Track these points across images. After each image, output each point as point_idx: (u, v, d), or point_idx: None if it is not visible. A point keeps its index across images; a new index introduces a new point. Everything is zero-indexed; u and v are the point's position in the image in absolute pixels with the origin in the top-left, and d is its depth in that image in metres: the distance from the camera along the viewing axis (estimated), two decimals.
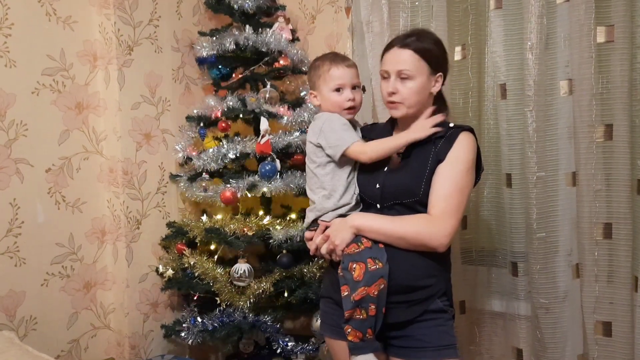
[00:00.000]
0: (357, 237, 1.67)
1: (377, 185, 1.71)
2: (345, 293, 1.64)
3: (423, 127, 1.68)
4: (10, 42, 2.19)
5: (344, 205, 1.73)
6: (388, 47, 1.72)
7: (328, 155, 1.73)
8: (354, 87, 1.76)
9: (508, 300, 2.30)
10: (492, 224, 2.34)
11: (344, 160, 1.73)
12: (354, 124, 1.83)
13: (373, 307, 1.61)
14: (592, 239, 2.10)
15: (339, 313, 1.74)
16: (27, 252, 2.26)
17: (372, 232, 1.66)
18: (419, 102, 1.70)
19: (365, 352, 1.63)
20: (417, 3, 2.34)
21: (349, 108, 1.75)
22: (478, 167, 1.73)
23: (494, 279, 2.37)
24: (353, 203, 1.75)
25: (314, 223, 1.79)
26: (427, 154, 1.68)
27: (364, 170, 1.76)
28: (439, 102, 1.78)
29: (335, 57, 1.79)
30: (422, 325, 1.68)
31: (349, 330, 1.64)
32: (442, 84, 1.75)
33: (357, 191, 1.76)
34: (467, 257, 2.39)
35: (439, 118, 1.69)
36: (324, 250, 1.72)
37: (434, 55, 1.67)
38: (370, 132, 1.83)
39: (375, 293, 1.60)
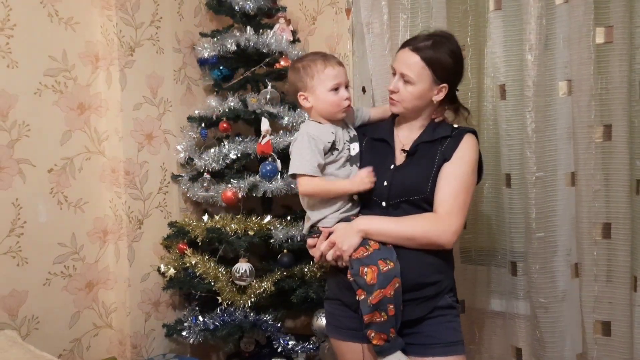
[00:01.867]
0: (364, 240, 1.66)
1: (385, 183, 1.71)
2: (362, 297, 1.62)
3: (362, 181, 1.69)
4: (12, 43, 2.20)
5: (339, 208, 1.74)
6: (403, 45, 1.73)
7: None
8: (346, 86, 1.75)
9: (507, 299, 2.31)
10: (491, 224, 2.35)
11: (330, 166, 1.73)
12: (344, 122, 1.82)
13: (392, 307, 1.61)
14: (591, 238, 2.11)
15: (348, 314, 1.75)
16: (29, 251, 2.27)
17: (380, 235, 1.66)
18: (416, 106, 1.72)
19: (393, 351, 1.64)
20: (416, 4, 2.35)
21: (346, 107, 1.74)
22: (479, 168, 1.75)
23: (493, 278, 2.37)
24: (349, 205, 1.75)
25: (313, 229, 1.77)
26: (434, 152, 1.70)
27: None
28: (457, 109, 1.81)
29: (326, 56, 1.75)
30: (431, 322, 1.70)
31: (372, 334, 1.63)
32: (455, 92, 1.78)
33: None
34: (467, 257, 2.40)
35: (371, 176, 1.71)
36: (329, 257, 1.69)
37: (442, 66, 1.66)
38: (372, 131, 1.85)
39: (392, 293, 1.60)
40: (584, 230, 2.12)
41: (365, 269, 1.61)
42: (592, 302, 2.13)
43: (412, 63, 1.67)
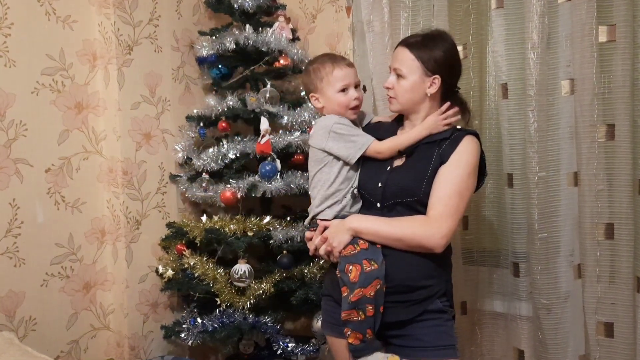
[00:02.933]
0: (354, 238, 1.68)
1: (380, 184, 1.71)
2: (345, 294, 1.65)
3: (435, 124, 1.70)
4: (9, 41, 2.18)
5: (340, 200, 1.74)
6: (398, 44, 1.77)
7: (335, 158, 1.73)
8: (356, 86, 1.79)
9: (509, 300, 2.30)
10: (493, 224, 2.34)
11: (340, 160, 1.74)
12: (355, 121, 1.83)
13: (370, 307, 1.61)
14: (593, 239, 2.09)
15: (339, 311, 1.74)
16: (26, 252, 2.26)
17: (369, 235, 1.67)
18: (411, 100, 1.73)
19: (367, 353, 1.64)
20: (418, 2, 2.33)
21: (355, 107, 1.77)
22: (482, 172, 1.74)
23: (495, 279, 2.36)
24: (351, 199, 1.75)
25: (314, 222, 1.79)
26: (430, 154, 1.69)
27: (367, 169, 1.77)
28: (458, 106, 1.78)
29: (335, 58, 1.81)
30: (421, 325, 1.69)
31: (349, 332, 1.65)
32: (456, 91, 1.78)
33: (355, 185, 1.76)
34: (469, 258, 2.39)
35: (452, 115, 1.71)
36: (322, 251, 1.74)
37: (432, 58, 1.68)
38: (375, 132, 1.83)
39: (372, 294, 1.61)
40: (587, 231, 2.10)
41: (350, 267, 1.64)
42: (594, 303, 2.12)
43: (403, 57, 1.71)
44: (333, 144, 1.72)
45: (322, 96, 1.79)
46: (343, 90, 1.75)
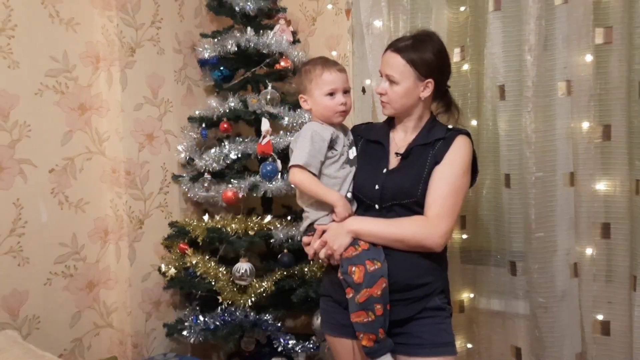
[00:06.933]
0: (354, 240, 1.69)
1: (377, 187, 1.73)
2: (350, 295, 1.66)
3: (346, 207, 1.70)
4: (13, 43, 2.21)
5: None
6: (387, 48, 1.76)
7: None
8: (345, 92, 1.77)
9: (507, 299, 2.31)
10: (491, 224, 2.35)
11: (330, 166, 1.75)
12: (344, 128, 1.84)
13: (379, 307, 1.62)
14: (590, 238, 2.11)
15: (339, 311, 1.76)
16: (30, 251, 2.28)
17: (369, 236, 1.68)
18: (404, 104, 1.73)
19: (382, 353, 1.66)
20: (416, 5, 2.35)
21: (341, 112, 1.76)
22: (474, 169, 1.76)
23: (492, 278, 2.37)
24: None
25: (310, 228, 1.79)
26: (425, 155, 1.71)
27: (363, 172, 1.78)
28: (448, 106, 1.81)
29: (326, 62, 1.79)
30: (420, 323, 1.70)
31: (361, 335, 1.65)
32: (446, 88, 1.79)
33: (348, 189, 1.77)
34: (466, 257, 2.40)
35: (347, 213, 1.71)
36: (322, 255, 1.73)
37: (424, 62, 1.68)
38: (368, 133, 1.86)
39: (379, 293, 1.62)
40: (583, 230, 2.12)
41: (353, 268, 1.64)
42: (591, 302, 2.13)
43: (395, 63, 1.69)
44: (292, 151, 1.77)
45: (310, 98, 1.78)
46: (331, 94, 1.74)
